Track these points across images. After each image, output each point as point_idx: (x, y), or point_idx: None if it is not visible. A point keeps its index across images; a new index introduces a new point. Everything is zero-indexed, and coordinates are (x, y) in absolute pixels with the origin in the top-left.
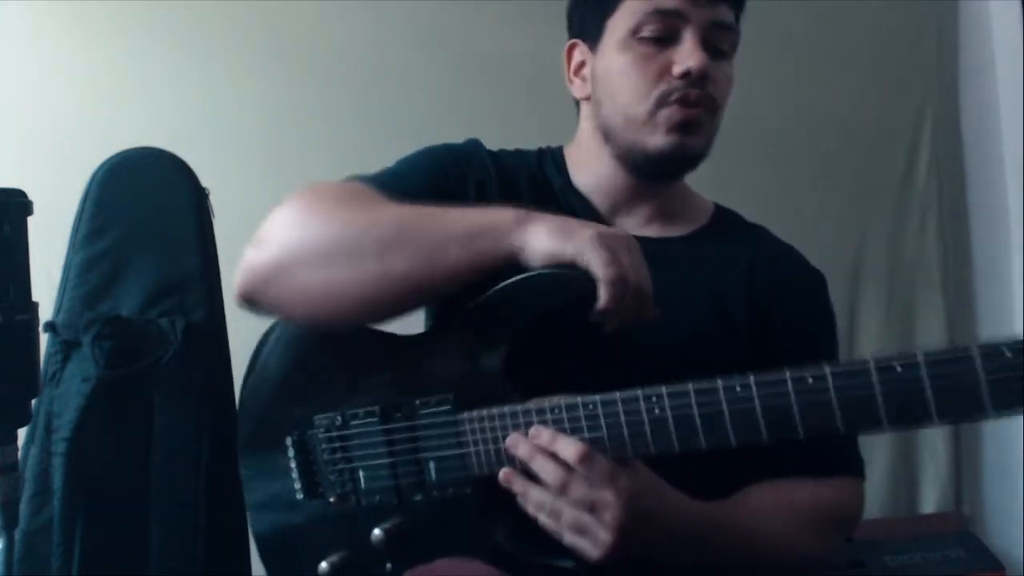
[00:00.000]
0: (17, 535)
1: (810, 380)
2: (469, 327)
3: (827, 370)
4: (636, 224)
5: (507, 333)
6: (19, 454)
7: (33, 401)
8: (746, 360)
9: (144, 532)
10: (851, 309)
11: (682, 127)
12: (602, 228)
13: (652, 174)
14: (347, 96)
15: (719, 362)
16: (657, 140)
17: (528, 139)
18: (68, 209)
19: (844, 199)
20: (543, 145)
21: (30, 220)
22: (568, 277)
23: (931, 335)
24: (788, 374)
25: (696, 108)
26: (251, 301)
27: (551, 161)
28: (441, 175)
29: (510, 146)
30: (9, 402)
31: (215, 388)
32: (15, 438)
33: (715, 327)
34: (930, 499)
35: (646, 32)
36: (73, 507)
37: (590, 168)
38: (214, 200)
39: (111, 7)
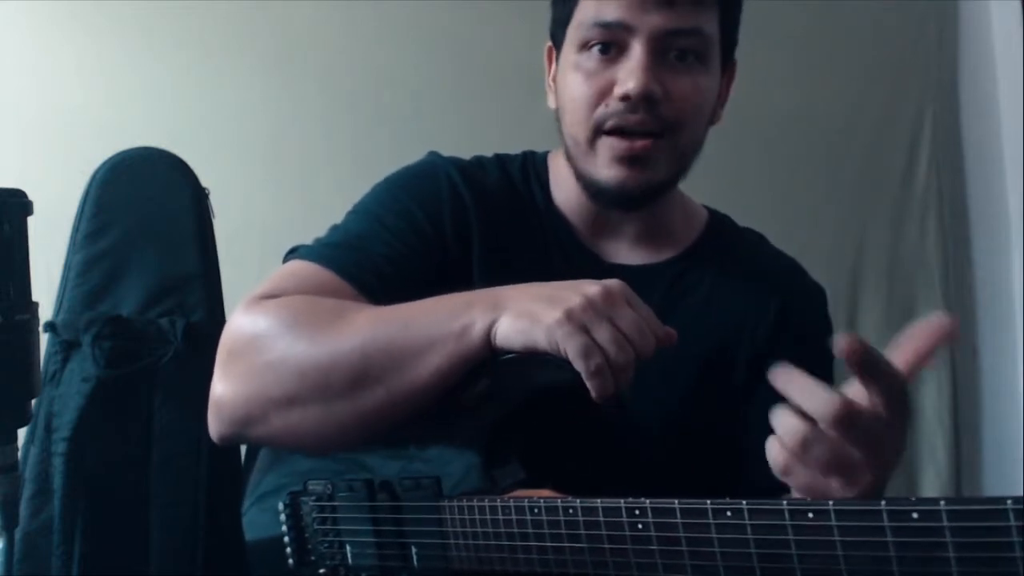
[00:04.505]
0: (17, 535)
1: (810, 515)
2: (452, 413)
3: (831, 506)
4: (622, 249)
5: (487, 420)
6: (19, 454)
7: (33, 401)
8: (744, 396)
9: (144, 532)
10: (851, 309)
11: (625, 160)
12: (573, 301)
13: (610, 205)
14: (348, 96)
15: (715, 410)
16: (602, 172)
17: (532, 141)
18: (68, 209)
19: (844, 199)
20: (546, 148)
21: (30, 220)
22: (540, 363)
23: None
24: (786, 504)
25: (641, 140)
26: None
27: (534, 174)
28: (412, 229)
29: (515, 148)
30: (9, 402)
31: None
32: (15, 438)
33: (711, 367)
34: None
35: (592, 45)
36: (73, 507)
37: (567, 186)
38: (214, 200)
39: (111, 7)
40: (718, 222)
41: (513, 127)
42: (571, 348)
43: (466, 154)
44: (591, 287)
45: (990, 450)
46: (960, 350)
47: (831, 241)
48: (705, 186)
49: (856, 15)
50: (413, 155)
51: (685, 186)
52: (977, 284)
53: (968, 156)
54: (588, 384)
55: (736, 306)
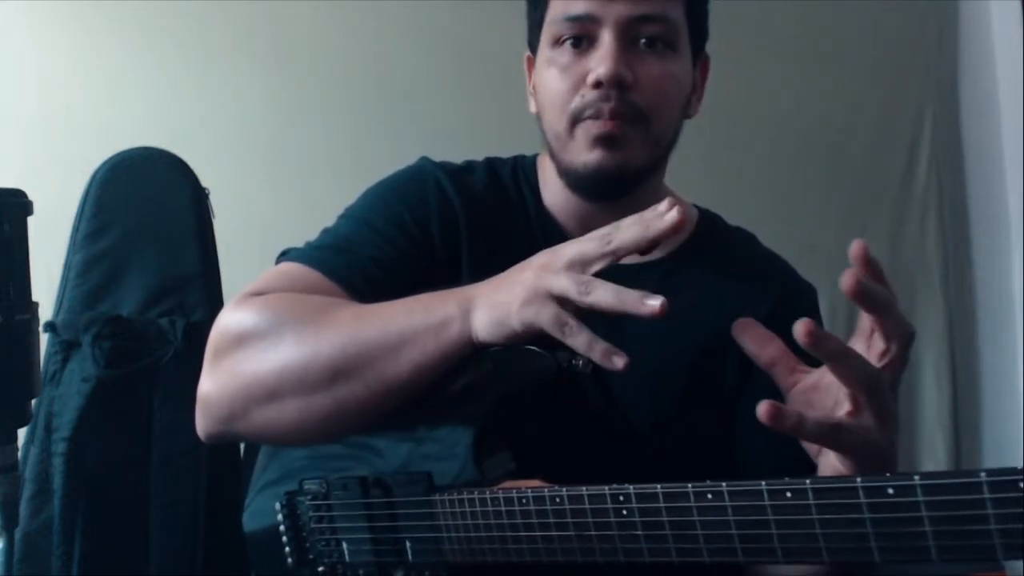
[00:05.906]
0: (17, 535)
1: (788, 494)
2: (441, 408)
3: (808, 485)
4: None
5: (477, 414)
6: (19, 454)
7: (33, 401)
8: (735, 394)
9: (144, 532)
10: (851, 310)
11: (602, 141)
12: (526, 275)
13: (590, 194)
14: (347, 96)
15: (706, 409)
16: (582, 157)
17: (532, 141)
18: (68, 209)
19: (844, 199)
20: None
21: (30, 220)
22: (525, 352)
23: (931, 335)
24: (764, 485)
25: (613, 121)
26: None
27: (524, 177)
28: (401, 232)
29: (514, 148)
30: (9, 402)
31: None
32: (15, 438)
33: (703, 365)
34: None
35: (564, 40)
36: (73, 507)
37: (557, 188)
38: (214, 200)
39: (111, 7)
40: (709, 221)
41: (512, 127)
42: (543, 322)
43: (466, 154)
44: (538, 256)
45: (990, 450)
46: (960, 350)
47: (831, 241)
48: (706, 186)
49: (856, 15)
50: (413, 155)
51: (685, 186)
52: (977, 284)
53: (968, 156)
54: (579, 350)
55: (728, 305)
